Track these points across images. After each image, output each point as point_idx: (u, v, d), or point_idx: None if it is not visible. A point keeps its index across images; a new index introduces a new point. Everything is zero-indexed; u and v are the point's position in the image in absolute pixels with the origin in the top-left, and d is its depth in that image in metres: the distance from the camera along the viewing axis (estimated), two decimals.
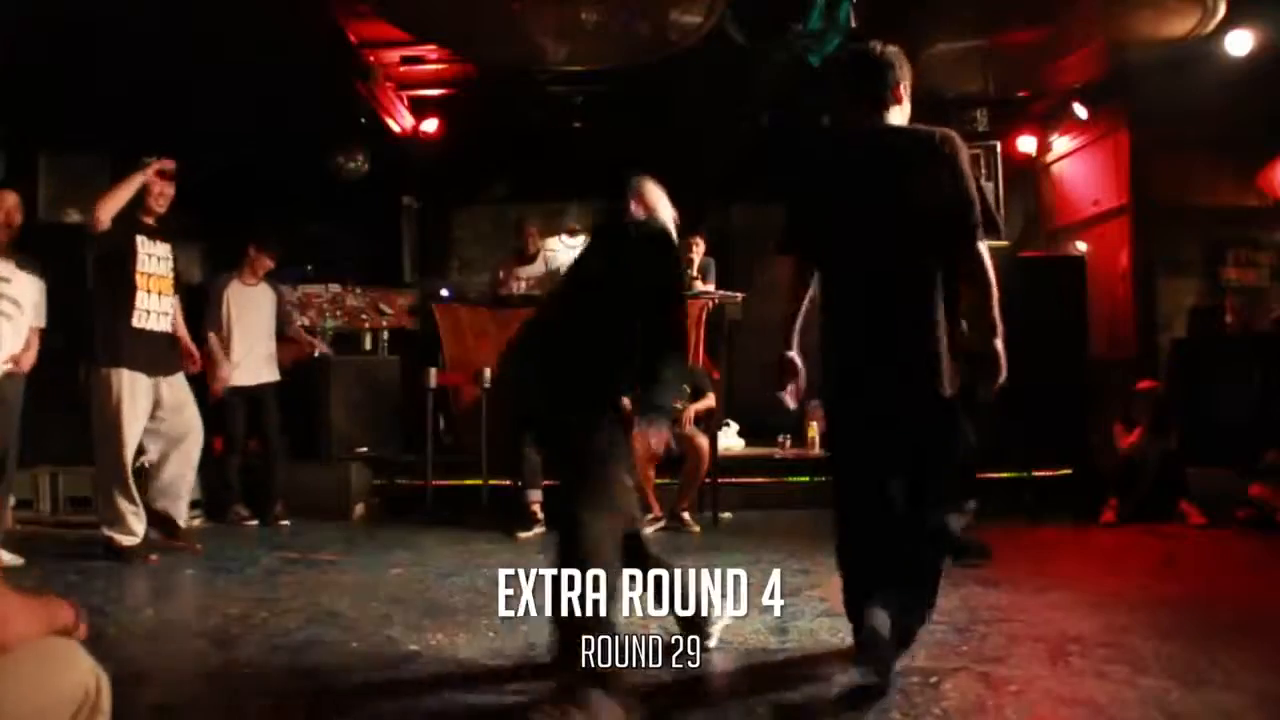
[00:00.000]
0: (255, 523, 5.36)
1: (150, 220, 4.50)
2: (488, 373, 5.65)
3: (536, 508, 5.07)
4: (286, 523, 5.38)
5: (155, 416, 4.46)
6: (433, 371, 5.77)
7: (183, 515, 4.69)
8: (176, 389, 4.60)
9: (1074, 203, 7.88)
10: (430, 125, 7.70)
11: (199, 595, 3.54)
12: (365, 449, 5.93)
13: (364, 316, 7.35)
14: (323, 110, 7.00)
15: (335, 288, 7.44)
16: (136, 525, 4.34)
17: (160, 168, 4.41)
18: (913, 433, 2.45)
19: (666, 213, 2.77)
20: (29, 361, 4.28)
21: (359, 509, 5.73)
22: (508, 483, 5.39)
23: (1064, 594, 3.55)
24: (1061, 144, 7.93)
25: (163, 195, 4.48)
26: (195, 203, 4.73)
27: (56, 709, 1.40)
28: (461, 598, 3.53)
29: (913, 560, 2.48)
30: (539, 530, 5.01)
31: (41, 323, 4.36)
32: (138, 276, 4.39)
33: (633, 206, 2.77)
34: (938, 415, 2.44)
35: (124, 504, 4.31)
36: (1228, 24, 5.54)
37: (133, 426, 4.34)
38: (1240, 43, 5.83)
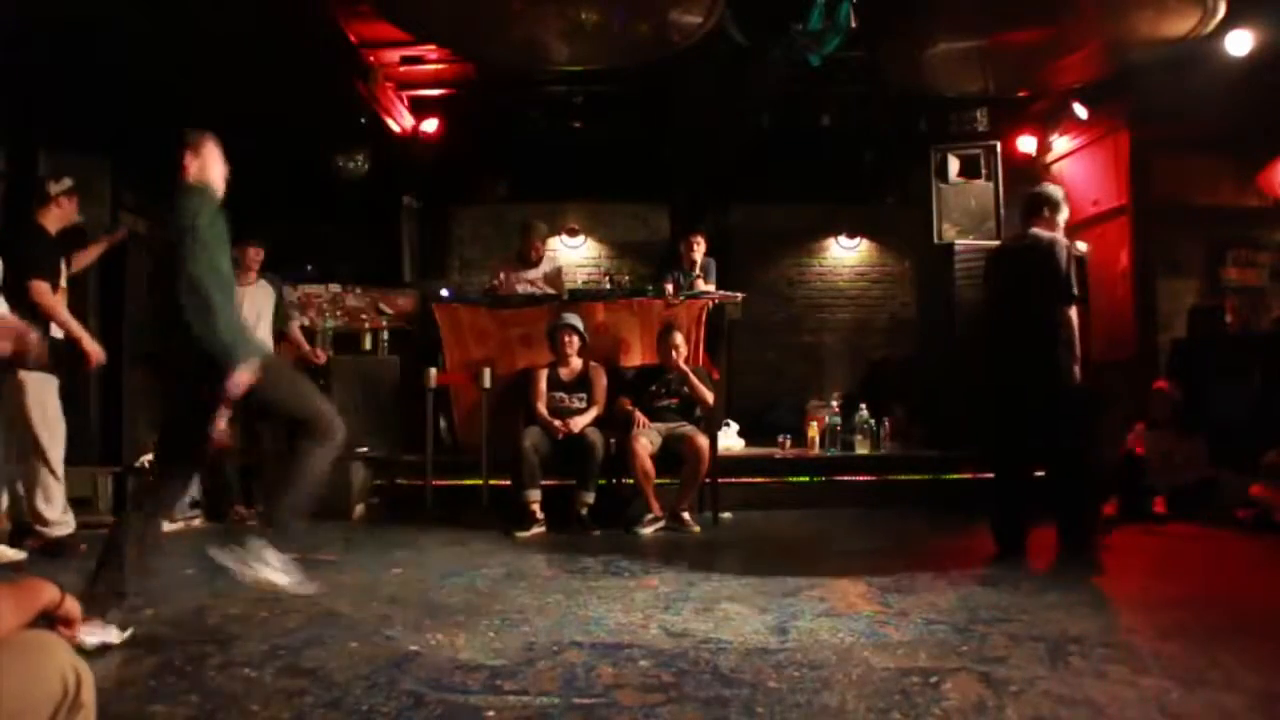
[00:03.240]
0: (255, 523, 5.37)
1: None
2: (488, 373, 5.66)
3: (535, 507, 5.08)
4: None
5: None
6: (433, 371, 5.76)
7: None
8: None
9: (1074, 203, 7.86)
10: (430, 125, 7.70)
11: (199, 595, 3.53)
12: (365, 449, 5.92)
13: (364, 316, 7.36)
14: (323, 110, 7.00)
15: (335, 288, 7.45)
16: (64, 516, 4.35)
17: (62, 189, 4.44)
18: (1050, 403, 4.24)
19: (215, 171, 3.09)
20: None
21: (359, 509, 5.73)
22: (508, 482, 5.40)
23: (1064, 594, 3.55)
24: (1061, 144, 7.94)
25: (67, 213, 4.48)
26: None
27: (37, 704, 1.38)
28: (461, 598, 3.53)
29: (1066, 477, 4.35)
30: (538, 530, 5.02)
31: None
32: None
33: (188, 162, 3.05)
34: (1063, 393, 4.24)
35: (44, 500, 4.30)
36: (1228, 24, 5.53)
37: (46, 425, 4.29)
38: (1240, 43, 5.83)
